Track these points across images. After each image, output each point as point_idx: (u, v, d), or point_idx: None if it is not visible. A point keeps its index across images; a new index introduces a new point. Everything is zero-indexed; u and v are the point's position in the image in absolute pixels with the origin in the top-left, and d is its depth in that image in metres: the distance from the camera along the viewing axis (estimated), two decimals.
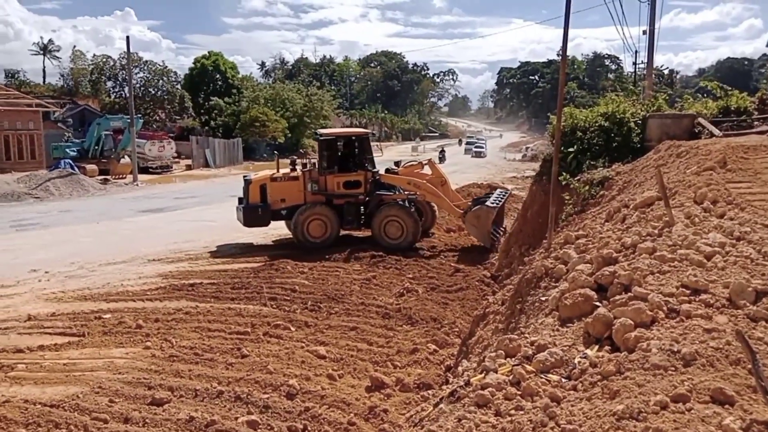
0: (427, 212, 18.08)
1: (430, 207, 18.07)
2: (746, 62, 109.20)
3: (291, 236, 17.35)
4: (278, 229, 18.36)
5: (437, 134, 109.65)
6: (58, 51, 72.48)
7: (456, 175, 40.52)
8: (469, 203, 17.59)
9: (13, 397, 7.52)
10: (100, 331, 10.05)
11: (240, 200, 17.69)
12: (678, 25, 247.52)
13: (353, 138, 18.09)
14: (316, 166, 17.20)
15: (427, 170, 18.48)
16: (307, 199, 16.96)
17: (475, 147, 66.27)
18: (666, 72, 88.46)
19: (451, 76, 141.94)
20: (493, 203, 17.01)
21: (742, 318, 3.49)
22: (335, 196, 16.97)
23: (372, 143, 17.95)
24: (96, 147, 38.55)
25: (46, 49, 72.73)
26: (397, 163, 18.71)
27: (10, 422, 6.85)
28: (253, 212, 16.86)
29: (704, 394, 2.78)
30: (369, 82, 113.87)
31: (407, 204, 17.16)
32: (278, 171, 17.65)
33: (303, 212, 16.63)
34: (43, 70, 72.43)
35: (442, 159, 51.04)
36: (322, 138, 17.77)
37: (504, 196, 18.64)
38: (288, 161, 18.20)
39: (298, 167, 17.76)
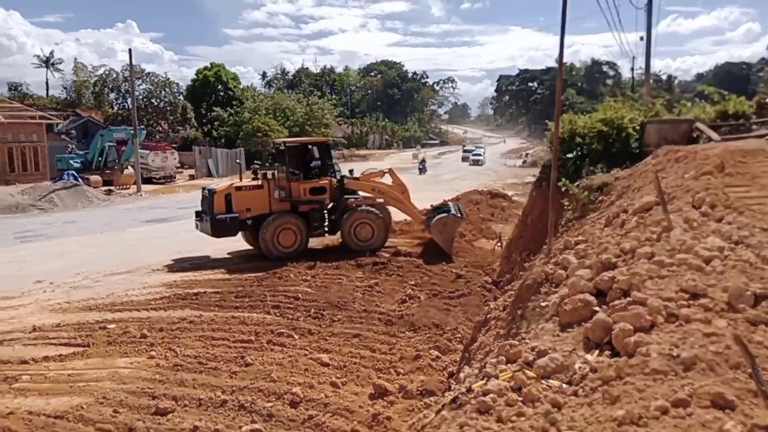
0: (386, 218, 18.31)
1: (387, 213, 18.42)
2: (744, 66, 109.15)
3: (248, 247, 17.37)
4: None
5: (438, 141, 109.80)
6: (60, 63, 72.86)
7: (456, 182, 40.63)
8: (430, 212, 18.22)
9: (18, 408, 7.55)
10: (105, 341, 10.09)
11: (198, 213, 17.64)
12: (675, 30, 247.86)
13: (316, 145, 18.49)
14: (276, 175, 17.26)
15: (387, 179, 18.91)
16: (272, 207, 17.00)
17: (473, 155, 64.52)
18: (664, 77, 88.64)
19: (450, 84, 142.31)
20: (456, 214, 17.60)
21: (741, 322, 3.52)
22: (301, 203, 17.14)
23: (337, 151, 18.71)
24: (99, 158, 38.73)
25: (48, 62, 73.08)
26: (351, 172, 18.86)
27: None
28: (222, 222, 16.63)
29: (704, 398, 2.80)
30: (369, 91, 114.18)
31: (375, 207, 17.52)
32: (241, 180, 17.83)
33: (272, 222, 16.62)
34: (46, 83, 72.80)
35: (422, 170, 48.89)
36: (288, 146, 17.72)
37: (458, 207, 18.90)
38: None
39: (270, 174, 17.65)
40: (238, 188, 17.14)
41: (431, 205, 19.04)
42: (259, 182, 17.44)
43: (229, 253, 17.71)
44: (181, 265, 16.28)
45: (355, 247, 17.00)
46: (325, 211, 17.58)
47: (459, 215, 17.80)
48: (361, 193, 18.05)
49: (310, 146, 18.34)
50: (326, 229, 17.66)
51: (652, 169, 8.40)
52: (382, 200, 17.89)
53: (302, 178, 17.22)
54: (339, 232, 17.52)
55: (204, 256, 17.36)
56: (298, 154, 17.57)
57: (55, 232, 21.99)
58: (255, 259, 16.72)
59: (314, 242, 17.77)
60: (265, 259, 16.36)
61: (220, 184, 18.43)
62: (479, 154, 65.21)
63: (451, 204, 19.08)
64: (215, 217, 16.55)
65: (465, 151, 70.78)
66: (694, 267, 4.29)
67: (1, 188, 31.26)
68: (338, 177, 17.81)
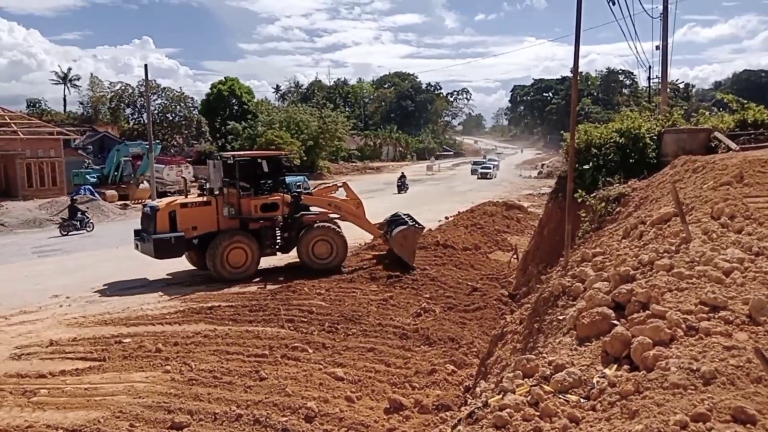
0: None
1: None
2: (763, 74, 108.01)
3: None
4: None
5: (452, 153, 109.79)
6: (78, 80, 74.21)
7: (471, 194, 40.56)
8: (385, 225, 17.88)
9: (36, 422, 7.61)
10: (121, 355, 10.15)
11: (138, 231, 16.59)
12: (692, 39, 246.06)
13: (268, 160, 17.45)
14: (225, 191, 16.40)
15: (341, 193, 18.51)
16: (220, 225, 16.18)
17: (481, 168, 61.20)
18: (681, 86, 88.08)
19: (464, 95, 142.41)
20: (415, 225, 17.23)
21: (762, 335, 3.45)
22: (252, 220, 16.38)
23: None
24: (115, 173, 39.18)
25: (66, 78, 74.44)
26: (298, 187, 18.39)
27: None
28: (165, 242, 15.47)
29: (725, 413, 2.74)
30: (383, 103, 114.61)
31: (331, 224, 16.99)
32: (187, 196, 17.06)
33: (221, 240, 15.77)
34: (64, 99, 74.12)
35: (401, 188, 43.48)
36: (238, 160, 16.65)
37: (412, 218, 18.36)
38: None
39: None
40: (184, 205, 16.17)
41: (384, 219, 18.43)
42: (206, 198, 16.53)
43: (168, 274, 16.68)
44: (115, 289, 15.06)
45: (314, 265, 16.41)
46: (277, 229, 16.89)
47: (418, 226, 17.36)
48: (314, 209, 17.36)
49: (261, 161, 17.31)
50: (278, 247, 16.99)
51: (670, 180, 8.32)
52: (338, 216, 17.35)
53: (253, 194, 16.44)
54: (295, 250, 16.79)
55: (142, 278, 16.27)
56: (248, 168, 16.67)
57: (71, 246, 22.23)
58: (201, 281, 15.83)
59: (270, 260, 17.18)
60: (212, 280, 15.63)
61: (162, 200, 17.56)
62: (488, 167, 61.59)
63: (402, 215, 18.56)
64: (158, 237, 15.42)
65: (474, 163, 66.57)
66: (713, 279, 4.22)
67: (19, 203, 31.73)
68: (291, 193, 17.21)
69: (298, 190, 18.52)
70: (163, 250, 15.59)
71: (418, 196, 41.59)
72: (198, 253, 16.54)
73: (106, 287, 15.33)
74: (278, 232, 16.94)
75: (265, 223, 16.61)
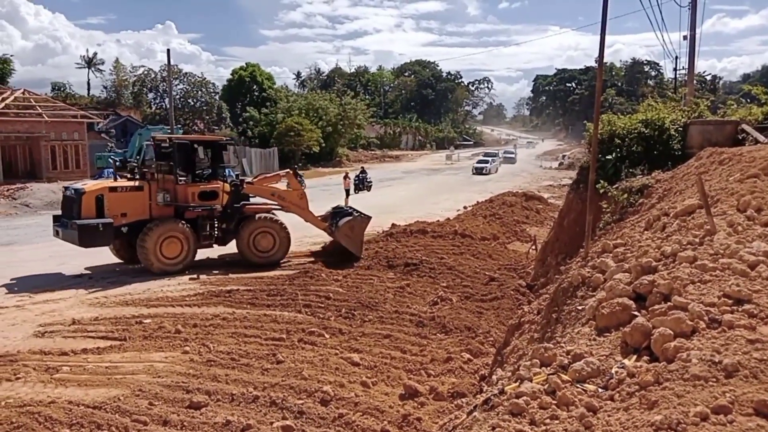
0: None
1: None
2: None
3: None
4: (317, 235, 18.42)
5: (472, 142, 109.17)
6: (102, 64, 74.88)
7: (490, 184, 40.36)
8: (328, 217, 17.28)
9: (58, 398, 7.77)
10: (141, 335, 10.31)
11: (57, 217, 15.36)
12: (721, 30, 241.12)
13: (207, 145, 16.59)
14: (159, 176, 15.35)
15: (283, 183, 17.92)
16: (153, 212, 15.11)
17: (477, 162, 55.24)
18: (708, 78, 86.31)
19: (486, 84, 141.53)
20: (361, 215, 16.86)
21: None
22: (189, 209, 15.42)
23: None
24: (138, 156, 39.60)
25: (91, 63, 75.18)
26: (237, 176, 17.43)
27: (56, 422, 7.07)
28: (93, 229, 14.19)
29: (747, 406, 2.70)
30: (403, 91, 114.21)
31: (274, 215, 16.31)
32: (116, 180, 16.07)
33: (154, 229, 14.72)
34: (88, 83, 74.87)
35: (360, 186, 35.30)
36: (177, 143, 15.70)
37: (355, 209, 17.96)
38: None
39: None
40: (113, 189, 14.92)
41: (326, 212, 17.77)
42: (138, 183, 15.37)
43: (87, 269, 15.52)
44: (26, 285, 13.76)
45: (255, 259, 15.77)
46: (215, 219, 15.95)
47: (363, 215, 16.91)
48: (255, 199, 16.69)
49: (199, 145, 16.38)
50: (215, 239, 16.11)
51: (695, 172, 8.18)
52: (280, 207, 16.71)
53: (191, 180, 15.60)
54: (235, 243, 16.06)
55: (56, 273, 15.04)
56: (187, 153, 15.74)
57: None
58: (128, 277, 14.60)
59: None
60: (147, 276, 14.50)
61: (88, 183, 16.25)
62: (485, 161, 54.80)
63: (346, 208, 18.14)
64: (84, 223, 14.16)
65: (481, 159, 56.98)
66: (738, 272, 4.14)
67: (43, 185, 32.28)
68: (231, 181, 16.42)
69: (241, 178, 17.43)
70: (89, 238, 14.32)
71: (437, 185, 41.49)
72: (124, 244, 15.51)
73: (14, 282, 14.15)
74: (216, 223, 16.04)
75: (203, 213, 15.64)
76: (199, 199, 15.64)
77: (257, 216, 16.16)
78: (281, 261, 16.23)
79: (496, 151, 68.82)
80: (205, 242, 15.84)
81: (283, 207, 16.84)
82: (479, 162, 54.95)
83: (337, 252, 16.68)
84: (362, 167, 40.98)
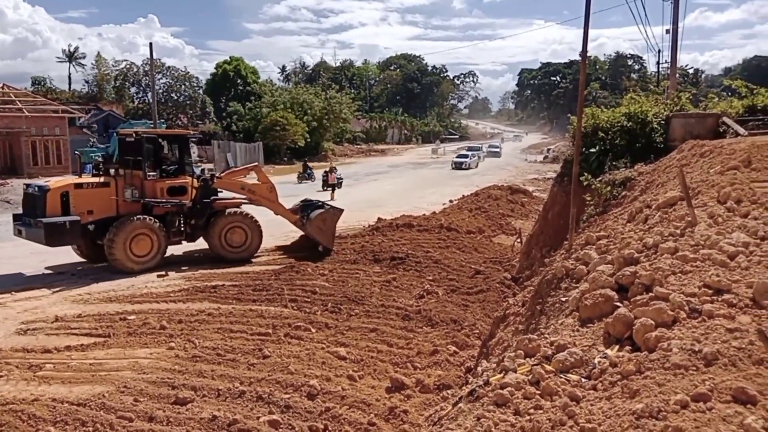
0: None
1: None
2: None
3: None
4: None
5: (458, 136, 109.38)
6: (83, 58, 73.98)
7: (476, 177, 40.48)
8: (299, 210, 17.13)
9: (42, 395, 7.69)
10: (125, 331, 10.23)
11: (18, 216, 14.83)
12: (703, 24, 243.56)
13: (174, 139, 16.13)
14: (127, 172, 14.95)
15: (252, 177, 17.63)
16: (120, 209, 14.66)
17: (456, 156, 54.10)
18: (691, 71, 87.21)
19: (471, 78, 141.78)
20: (332, 208, 16.86)
21: (766, 318, 3.44)
22: (158, 205, 15.02)
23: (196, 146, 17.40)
24: None
25: (72, 57, 74.20)
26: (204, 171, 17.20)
27: (39, 420, 7.01)
28: (59, 228, 13.64)
29: (726, 393, 2.75)
30: (388, 85, 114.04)
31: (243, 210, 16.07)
32: (81, 176, 15.47)
33: (124, 226, 14.23)
34: (69, 77, 73.95)
35: (331, 184, 30.42)
36: (145, 137, 15.20)
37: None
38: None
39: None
40: (78, 185, 14.43)
41: (295, 205, 17.57)
42: (104, 179, 14.94)
43: (47, 268, 15.01)
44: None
45: (228, 255, 15.55)
46: (183, 215, 15.57)
47: (334, 208, 16.90)
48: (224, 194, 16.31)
49: (165, 140, 15.91)
50: (187, 234, 15.74)
51: (677, 164, 8.28)
52: (250, 201, 16.48)
53: (159, 175, 15.21)
54: (205, 239, 15.78)
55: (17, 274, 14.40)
56: (155, 147, 15.35)
57: None
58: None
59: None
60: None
61: (51, 179, 15.64)
62: (465, 155, 53.19)
63: (312, 199, 18.07)
64: (50, 222, 13.62)
65: (460, 156, 54.40)
66: (718, 262, 4.21)
67: (24, 181, 31.79)
68: (200, 176, 16.11)
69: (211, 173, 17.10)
70: (56, 237, 13.75)
71: (423, 179, 41.54)
72: (88, 242, 14.95)
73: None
74: (185, 219, 15.65)
75: (172, 208, 15.24)
76: (167, 194, 15.30)
77: (227, 211, 15.90)
78: (254, 256, 16.07)
79: (480, 145, 67.53)
80: (174, 239, 15.48)
81: (254, 201, 16.66)
82: (459, 156, 53.54)
83: (307, 247, 16.59)
84: (305, 161, 40.03)
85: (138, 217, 14.58)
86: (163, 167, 15.53)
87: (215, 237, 15.64)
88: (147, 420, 7.07)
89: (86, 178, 15.13)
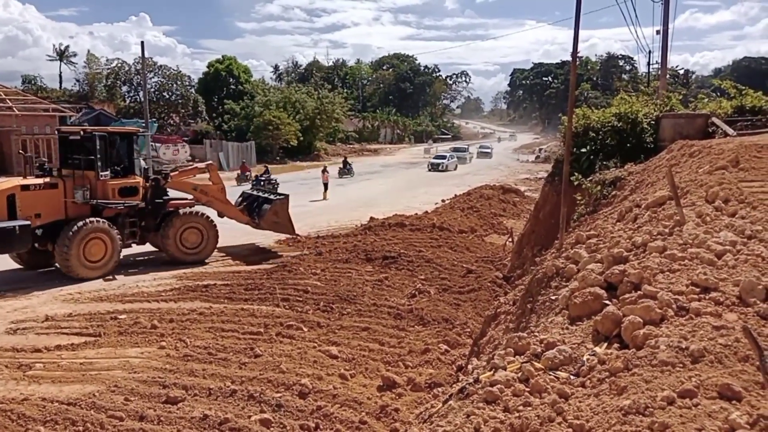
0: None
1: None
2: (763, 61, 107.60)
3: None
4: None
5: (450, 136, 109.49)
6: (74, 57, 73.46)
7: (468, 177, 40.56)
8: (244, 208, 16.92)
9: (32, 395, 7.66)
10: (116, 331, 10.19)
11: None
12: (693, 25, 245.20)
13: (121, 137, 15.12)
14: (77, 172, 14.13)
15: (203, 176, 17.28)
16: (69, 212, 13.83)
17: (433, 158, 51.83)
18: (681, 72, 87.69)
19: (463, 78, 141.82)
20: (277, 198, 16.61)
21: (752, 316, 3.49)
22: (111, 206, 14.30)
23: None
24: None
25: (62, 55, 73.66)
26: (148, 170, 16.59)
27: (29, 419, 6.98)
28: (9, 233, 12.72)
29: (711, 389, 2.78)
30: (381, 85, 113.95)
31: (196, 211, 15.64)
32: (26, 177, 14.48)
33: (78, 230, 13.37)
34: (60, 76, 73.36)
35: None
36: (98, 135, 14.19)
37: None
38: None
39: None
40: (25, 187, 13.45)
41: (236, 200, 17.24)
42: (52, 180, 14.05)
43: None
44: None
45: (183, 256, 15.04)
46: (134, 216, 14.89)
47: (280, 196, 16.60)
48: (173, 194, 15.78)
49: (113, 137, 14.79)
50: (138, 236, 15.13)
51: (666, 164, 8.34)
52: (200, 203, 16.05)
53: (110, 175, 14.38)
54: (156, 240, 15.37)
55: None
56: (106, 146, 14.32)
57: None
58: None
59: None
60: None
61: None
62: (442, 156, 51.08)
63: (251, 192, 17.77)
64: None
65: (437, 156, 52.51)
66: (706, 261, 4.25)
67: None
68: (149, 175, 15.57)
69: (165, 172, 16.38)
70: (5, 243, 12.84)
71: (416, 178, 41.59)
72: (31, 248, 13.76)
73: None
74: (137, 221, 14.98)
75: (124, 210, 14.58)
76: (119, 195, 14.54)
77: (181, 211, 15.38)
78: (209, 257, 15.71)
79: (465, 146, 65.08)
80: (128, 242, 14.82)
81: (205, 202, 16.33)
82: (436, 158, 51.22)
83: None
84: (266, 167, 37.57)
85: (92, 219, 13.77)
86: (113, 167, 14.64)
87: (171, 238, 15.05)
88: (138, 419, 7.06)
89: (33, 180, 14.07)
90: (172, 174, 16.14)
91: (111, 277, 13.86)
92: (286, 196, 16.79)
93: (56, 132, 15.28)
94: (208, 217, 15.72)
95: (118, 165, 14.81)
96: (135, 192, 14.80)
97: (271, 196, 16.74)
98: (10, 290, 12.81)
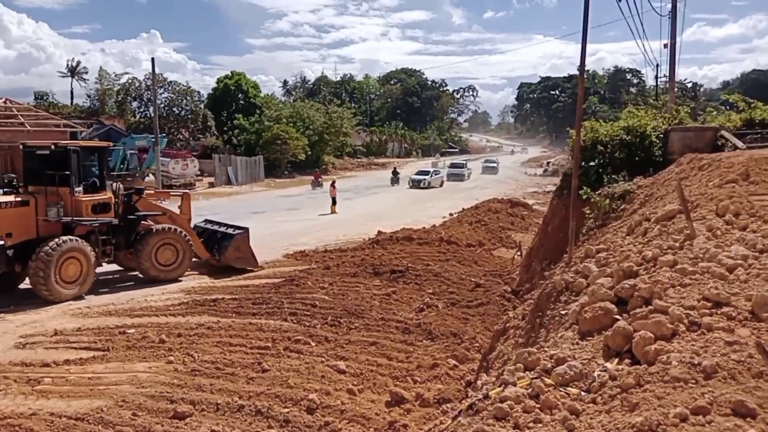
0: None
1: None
2: None
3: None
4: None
5: (457, 150, 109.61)
6: (86, 73, 74.39)
7: (476, 191, 40.52)
8: (203, 243, 16.15)
9: (40, 410, 7.65)
10: (124, 345, 10.20)
11: None
12: (701, 38, 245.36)
13: (91, 151, 14.64)
14: (50, 189, 13.28)
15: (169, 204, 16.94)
16: (40, 231, 13.15)
17: (415, 174, 46.98)
18: (689, 85, 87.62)
19: (471, 92, 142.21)
20: (236, 229, 16.16)
21: (765, 331, 3.44)
22: (84, 224, 13.69)
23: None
24: (121, 165, 39.33)
25: (74, 71, 74.61)
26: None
27: None
28: None
29: (725, 406, 2.74)
30: (389, 99, 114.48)
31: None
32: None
33: (54, 249, 12.71)
34: (71, 92, 74.27)
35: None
36: (71, 150, 13.62)
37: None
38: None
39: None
40: None
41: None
42: (23, 197, 13.28)
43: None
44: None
45: (157, 274, 14.64)
46: (109, 234, 14.36)
47: (239, 229, 16.13)
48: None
49: (83, 151, 14.06)
50: (111, 254, 14.56)
51: (676, 177, 8.30)
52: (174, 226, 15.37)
53: (83, 192, 13.76)
54: (131, 259, 14.89)
55: None
56: (80, 161, 13.77)
57: None
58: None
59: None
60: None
61: None
62: (426, 172, 46.90)
63: (205, 225, 17.16)
64: None
65: (419, 172, 47.90)
66: (717, 275, 4.21)
67: None
68: (124, 192, 14.91)
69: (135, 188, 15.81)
70: None
71: (423, 192, 41.58)
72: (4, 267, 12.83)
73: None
74: (110, 238, 14.42)
75: (99, 227, 14.04)
76: (92, 212, 13.89)
77: (155, 228, 14.97)
78: (183, 275, 15.36)
79: (464, 161, 61.30)
80: (103, 260, 14.28)
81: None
82: (417, 173, 46.96)
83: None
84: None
85: (66, 238, 13.13)
86: (85, 183, 14.03)
87: (145, 255, 14.64)
88: None
89: (3, 197, 13.32)
90: (147, 193, 15.71)
91: (82, 297, 13.32)
92: (246, 230, 16.29)
93: (21, 146, 14.47)
94: (184, 234, 15.36)
95: (91, 180, 14.23)
96: (108, 208, 14.24)
97: (229, 231, 16.22)
98: (19, 305, 12.86)
